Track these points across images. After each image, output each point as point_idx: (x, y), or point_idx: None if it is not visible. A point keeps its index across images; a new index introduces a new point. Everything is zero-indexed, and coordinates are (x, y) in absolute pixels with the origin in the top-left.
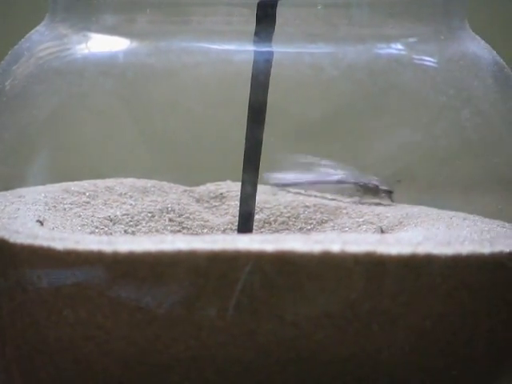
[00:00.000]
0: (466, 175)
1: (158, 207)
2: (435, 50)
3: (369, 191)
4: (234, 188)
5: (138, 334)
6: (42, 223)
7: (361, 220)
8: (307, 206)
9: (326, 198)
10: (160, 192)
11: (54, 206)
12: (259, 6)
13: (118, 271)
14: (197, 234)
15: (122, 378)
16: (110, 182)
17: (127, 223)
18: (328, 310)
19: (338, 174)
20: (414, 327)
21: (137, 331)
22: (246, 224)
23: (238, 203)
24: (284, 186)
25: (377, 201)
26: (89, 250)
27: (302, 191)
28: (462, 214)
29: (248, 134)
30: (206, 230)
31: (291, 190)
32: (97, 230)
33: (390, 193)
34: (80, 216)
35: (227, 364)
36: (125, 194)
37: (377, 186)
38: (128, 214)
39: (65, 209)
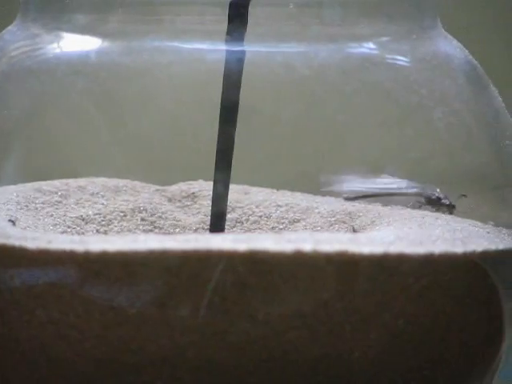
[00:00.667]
0: (438, 174)
1: (130, 206)
2: (407, 50)
3: (430, 203)
4: (206, 187)
5: (111, 333)
6: (14, 223)
7: (333, 219)
8: (279, 206)
9: (297, 198)
10: (132, 191)
11: (26, 206)
12: (231, 5)
13: (91, 271)
14: (169, 233)
15: (94, 378)
16: (81, 181)
17: (99, 223)
18: (300, 309)
19: (400, 185)
20: (386, 327)
21: (109, 331)
22: (218, 223)
23: (210, 202)
24: (355, 199)
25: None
26: (61, 249)
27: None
28: (434, 214)
29: (220, 133)
30: (178, 230)
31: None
32: (69, 230)
33: (452, 207)
34: (52, 215)
35: (199, 363)
36: (97, 193)
37: (440, 198)
38: (100, 214)
39: (37, 208)
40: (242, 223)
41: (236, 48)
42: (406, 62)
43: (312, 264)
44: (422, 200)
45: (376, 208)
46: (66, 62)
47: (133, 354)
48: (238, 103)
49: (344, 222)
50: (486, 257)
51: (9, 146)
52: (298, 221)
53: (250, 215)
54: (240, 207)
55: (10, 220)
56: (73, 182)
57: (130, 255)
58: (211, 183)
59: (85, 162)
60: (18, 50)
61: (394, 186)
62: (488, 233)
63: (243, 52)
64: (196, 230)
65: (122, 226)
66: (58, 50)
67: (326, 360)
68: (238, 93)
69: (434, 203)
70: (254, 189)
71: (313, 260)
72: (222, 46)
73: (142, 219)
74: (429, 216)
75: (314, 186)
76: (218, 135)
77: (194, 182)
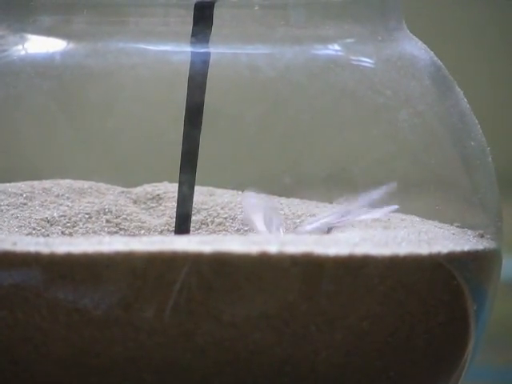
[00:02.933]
0: (403, 176)
1: (95, 208)
2: (372, 51)
3: None
4: (171, 189)
5: (76, 335)
6: None
7: (298, 221)
8: None
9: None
10: (97, 193)
11: None
12: (196, 7)
13: (56, 272)
14: (134, 235)
15: (60, 380)
16: (46, 183)
17: (64, 224)
18: (265, 311)
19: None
20: (351, 328)
21: (74, 333)
22: (183, 225)
23: (175, 204)
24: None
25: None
26: (26, 251)
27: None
28: (399, 215)
29: (185, 135)
30: (143, 232)
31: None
32: (34, 232)
33: None
34: (17, 217)
35: (165, 365)
36: (62, 195)
37: None
38: (65, 216)
39: (1, 210)
40: (208, 225)
41: (201, 50)
42: (370, 63)
43: (277, 266)
44: None
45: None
46: (30, 64)
47: (98, 355)
48: (203, 105)
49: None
50: (452, 258)
51: None
52: None
53: (215, 217)
54: (205, 209)
55: None
56: (38, 184)
57: (95, 257)
58: (176, 185)
59: (50, 164)
60: None
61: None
62: (453, 234)
63: (208, 54)
64: (161, 232)
65: (87, 227)
66: (22, 52)
67: (291, 361)
68: (203, 94)
69: None
70: (219, 191)
71: (278, 262)
72: (187, 48)
73: (107, 221)
74: (394, 217)
75: (278, 187)
76: (183, 137)
77: (159, 183)
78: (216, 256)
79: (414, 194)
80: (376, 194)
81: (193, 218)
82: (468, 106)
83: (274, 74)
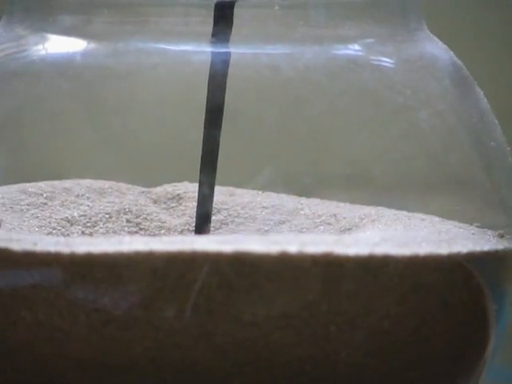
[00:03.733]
0: (423, 176)
1: (115, 208)
2: (392, 51)
3: None
4: (191, 189)
5: (96, 335)
6: None
7: (318, 221)
8: (265, 207)
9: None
10: (117, 193)
11: (11, 207)
12: (217, 6)
13: (76, 272)
14: (154, 235)
15: (80, 380)
16: (67, 183)
17: (84, 224)
18: (285, 310)
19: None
20: (371, 328)
21: (94, 332)
22: (203, 225)
23: (195, 204)
24: None
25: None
26: (46, 251)
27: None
28: (419, 215)
29: (205, 135)
30: (163, 231)
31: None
32: (54, 232)
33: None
34: (37, 217)
35: (185, 365)
36: (82, 195)
37: None
38: (85, 215)
39: (22, 210)
40: (228, 225)
41: (221, 50)
42: (391, 63)
43: (297, 265)
44: None
45: (361, 209)
46: (50, 64)
47: (118, 355)
48: (223, 105)
49: (329, 224)
50: (471, 258)
51: None
52: (284, 222)
53: (236, 217)
54: (225, 209)
55: None
56: (58, 184)
57: (115, 257)
58: (196, 185)
59: (70, 164)
60: (2, 51)
61: None
62: (473, 234)
63: (228, 54)
64: (181, 232)
65: (107, 227)
66: (43, 52)
67: (311, 361)
68: (224, 94)
69: None
70: (240, 190)
71: (298, 261)
72: (208, 48)
73: (128, 221)
74: (414, 218)
75: (299, 187)
76: (204, 137)
77: (180, 183)
78: (236, 256)
79: (434, 194)
80: None
81: (213, 217)
82: (488, 106)
83: (294, 74)
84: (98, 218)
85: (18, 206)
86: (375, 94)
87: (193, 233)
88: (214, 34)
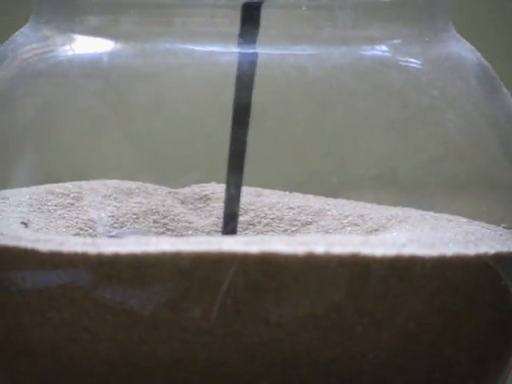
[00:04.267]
0: (450, 177)
1: (142, 209)
2: (419, 52)
3: None
4: (218, 190)
5: (123, 335)
6: (26, 225)
7: (345, 221)
8: (292, 208)
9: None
10: (144, 194)
11: (39, 208)
12: (244, 7)
13: (103, 273)
14: (181, 235)
15: (106, 381)
16: (94, 183)
17: (112, 225)
18: (312, 311)
19: None
20: (398, 329)
21: (121, 333)
22: (230, 226)
23: (222, 205)
24: None
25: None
26: (73, 251)
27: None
28: (446, 216)
29: (232, 135)
30: (190, 232)
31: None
32: (81, 232)
33: None
34: (64, 218)
35: (212, 366)
36: (109, 195)
37: None
38: (113, 216)
39: (49, 210)
40: (255, 225)
41: (248, 50)
42: (418, 64)
43: (324, 266)
44: None
45: (388, 210)
46: (78, 65)
47: (145, 356)
48: (250, 105)
49: (356, 225)
50: (498, 259)
51: (21, 149)
52: (311, 223)
53: (263, 217)
54: (252, 209)
55: (22, 222)
56: (85, 185)
57: (142, 257)
58: (224, 186)
59: (97, 165)
60: (29, 52)
61: None
62: (500, 235)
63: (255, 54)
64: (208, 233)
65: (134, 228)
66: (70, 53)
67: (338, 362)
68: (251, 95)
69: None
70: (267, 191)
71: (325, 262)
72: (235, 49)
73: (155, 221)
74: (441, 218)
75: (326, 188)
76: (231, 138)
77: (207, 184)
78: (263, 256)
79: (461, 194)
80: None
81: (240, 218)
82: None
83: (321, 74)
84: (125, 219)
85: (45, 207)
86: (402, 95)
87: (220, 233)
88: (241, 35)
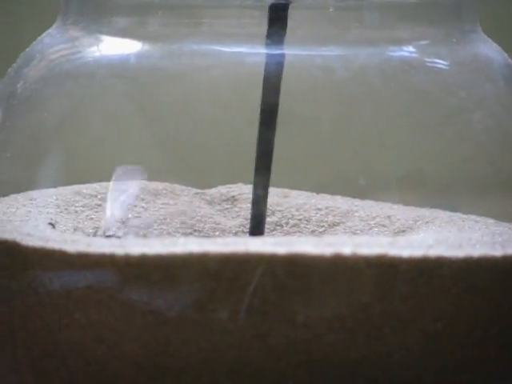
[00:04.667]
0: (477, 178)
1: (169, 210)
2: (447, 53)
3: None
4: (245, 191)
5: (150, 336)
6: (53, 226)
7: (372, 223)
8: (319, 209)
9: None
10: (172, 195)
11: (66, 209)
12: (271, 8)
13: (130, 274)
14: (208, 236)
15: (133, 381)
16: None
17: (139, 226)
18: (339, 312)
19: None
20: (425, 330)
21: (148, 334)
22: (257, 227)
23: (249, 206)
24: None
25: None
26: (100, 252)
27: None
28: (473, 217)
29: (260, 136)
30: (217, 233)
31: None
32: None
33: None
34: (92, 219)
35: (239, 366)
36: (136, 196)
37: None
38: (140, 217)
39: (76, 211)
40: (282, 226)
41: (275, 51)
42: (445, 65)
43: (351, 267)
44: None
45: (416, 211)
46: (105, 66)
47: (172, 357)
48: (277, 106)
49: (383, 226)
50: None
51: (48, 150)
52: (338, 224)
53: (290, 218)
54: (280, 210)
55: (49, 223)
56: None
57: (169, 258)
58: (251, 186)
59: (125, 166)
60: (57, 53)
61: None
62: None
63: (283, 55)
64: (235, 234)
65: (161, 229)
66: (97, 53)
67: (364, 363)
68: (278, 96)
69: None
70: (294, 192)
71: (352, 263)
72: (262, 50)
73: (182, 222)
74: (468, 219)
75: (353, 189)
76: (258, 138)
77: (234, 185)
78: (290, 257)
79: (489, 195)
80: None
81: (267, 219)
82: None
83: (348, 75)
84: (152, 220)
85: (73, 208)
86: (429, 96)
87: (247, 234)
88: (268, 36)
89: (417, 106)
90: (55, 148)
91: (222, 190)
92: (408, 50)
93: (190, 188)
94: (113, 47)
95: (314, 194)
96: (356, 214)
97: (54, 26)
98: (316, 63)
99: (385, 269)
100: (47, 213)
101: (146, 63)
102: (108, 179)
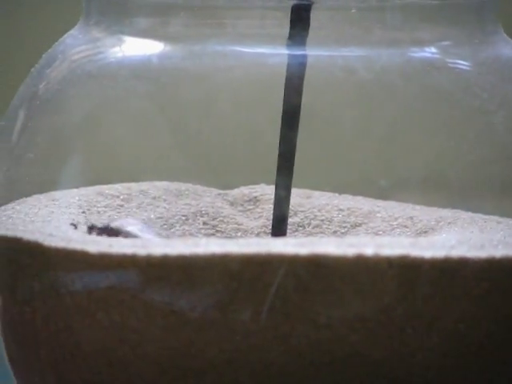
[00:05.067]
0: (499, 179)
1: (191, 210)
2: (469, 54)
3: None
4: (267, 191)
5: (172, 337)
6: (75, 226)
7: (394, 223)
8: (341, 210)
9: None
10: (194, 195)
11: (88, 210)
12: (293, 9)
13: (152, 275)
14: (230, 237)
15: (156, 382)
16: (143, 185)
17: (161, 226)
18: (361, 313)
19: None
20: (447, 330)
21: (170, 335)
22: (279, 227)
23: (271, 206)
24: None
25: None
26: (122, 253)
27: None
28: (495, 218)
29: (282, 137)
30: (239, 234)
31: None
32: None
33: None
34: (114, 219)
35: (261, 367)
36: (159, 197)
37: None
38: (162, 218)
39: (99, 212)
40: (304, 227)
41: (298, 52)
42: (467, 66)
43: (373, 268)
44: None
45: (438, 212)
46: (127, 66)
47: (194, 357)
48: (299, 107)
49: (406, 227)
50: None
51: (71, 150)
52: (360, 225)
53: (312, 219)
54: (302, 211)
55: (71, 224)
56: (135, 186)
57: (191, 259)
58: (273, 187)
59: (147, 166)
60: (79, 54)
61: None
62: None
63: (305, 56)
64: (258, 234)
65: (183, 229)
66: (119, 54)
67: (387, 363)
68: (300, 97)
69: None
70: (316, 193)
71: (374, 264)
72: (284, 50)
73: (204, 223)
74: (490, 220)
75: (375, 190)
76: (280, 139)
77: (256, 186)
78: (312, 258)
79: (510, 196)
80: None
81: (290, 220)
82: None
83: (370, 76)
84: (174, 220)
85: (95, 208)
86: (451, 97)
87: (269, 235)
88: (290, 37)
89: (439, 106)
90: (77, 148)
91: (245, 190)
92: (430, 51)
93: (213, 189)
94: (135, 48)
95: (336, 194)
96: (378, 214)
97: (76, 26)
98: (338, 64)
99: (407, 269)
100: (69, 213)
101: (168, 64)
102: (130, 180)
